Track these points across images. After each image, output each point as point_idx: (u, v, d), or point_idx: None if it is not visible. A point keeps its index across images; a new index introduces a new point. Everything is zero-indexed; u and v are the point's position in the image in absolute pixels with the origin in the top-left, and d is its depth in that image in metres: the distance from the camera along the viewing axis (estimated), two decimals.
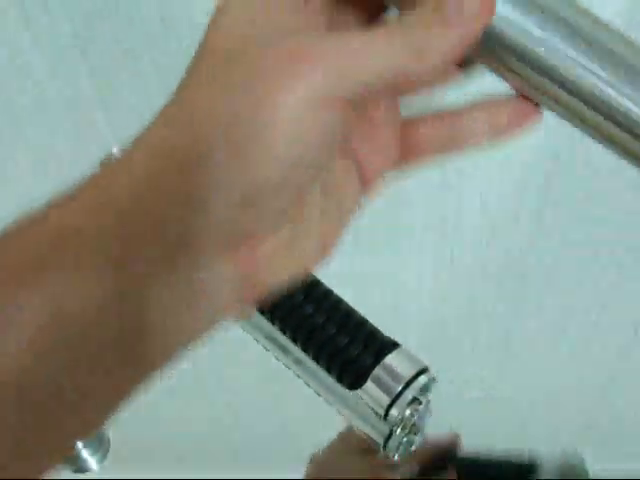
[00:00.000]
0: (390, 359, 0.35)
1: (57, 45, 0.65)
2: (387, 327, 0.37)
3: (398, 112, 0.26)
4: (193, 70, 0.23)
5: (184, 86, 0.23)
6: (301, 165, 0.20)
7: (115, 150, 0.23)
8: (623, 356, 0.99)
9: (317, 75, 0.20)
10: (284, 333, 0.36)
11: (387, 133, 0.25)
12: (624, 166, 0.25)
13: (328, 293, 0.36)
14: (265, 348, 0.39)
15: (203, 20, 0.24)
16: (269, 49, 0.20)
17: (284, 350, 0.37)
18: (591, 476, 1.25)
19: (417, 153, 0.26)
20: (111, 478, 1.12)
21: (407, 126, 0.26)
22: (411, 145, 0.26)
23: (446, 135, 0.26)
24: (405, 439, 0.36)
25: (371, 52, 0.21)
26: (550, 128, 0.29)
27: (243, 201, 0.20)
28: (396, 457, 0.36)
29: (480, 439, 1.25)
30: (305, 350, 0.36)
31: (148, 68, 0.67)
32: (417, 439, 0.37)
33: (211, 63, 0.22)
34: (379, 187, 0.26)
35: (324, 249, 0.24)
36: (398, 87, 0.23)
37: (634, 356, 0.99)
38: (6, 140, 0.74)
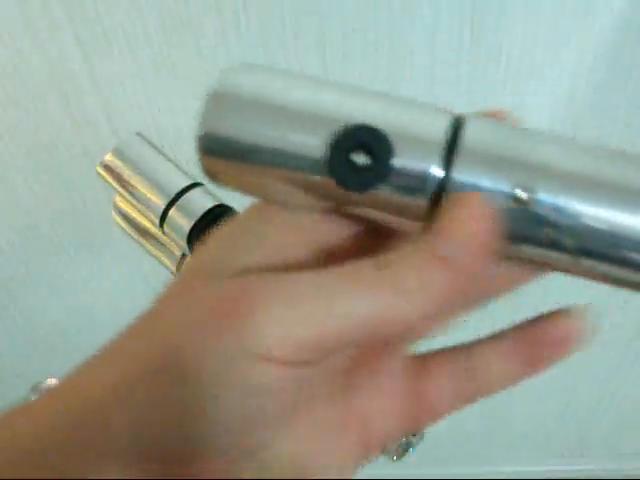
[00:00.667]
0: None
1: (58, 45, 0.65)
2: None
3: (401, 357, 0.22)
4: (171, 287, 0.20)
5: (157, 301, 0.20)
6: (252, 419, 0.17)
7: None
8: (624, 356, 0.99)
9: (252, 330, 0.17)
10: None
11: (391, 385, 0.21)
12: None
13: None
14: None
15: None
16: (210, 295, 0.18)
17: None
18: (591, 476, 1.26)
19: (430, 409, 0.21)
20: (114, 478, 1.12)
21: (416, 374, 0.22)
22: (422, 399, 0.21)
23: (466, 383, 0.21)
24: (404, 440, 0.36)
25: (334, 295, 0.17)
26: None
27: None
28: (395, 458, 0.36)
29: (480, 440, 1.26)
30: None
31: (147, 63, 0.67)
32: (416, 440, 0.37)
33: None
34: (378, 453, 0.21)
35: None
36: (387, 336, 0.19)
37: (635, 355, 0.99)
38: (6, 139, 0.74)
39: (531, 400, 1.09)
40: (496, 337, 0.22)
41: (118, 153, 0.39)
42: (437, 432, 1.21)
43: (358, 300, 0.17)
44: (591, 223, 0.19)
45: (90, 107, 0.70)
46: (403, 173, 0.19)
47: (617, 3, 0.61)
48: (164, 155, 0.39)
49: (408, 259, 0.18)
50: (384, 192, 0.19)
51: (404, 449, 0.37)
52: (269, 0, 0.61)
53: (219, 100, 0.21)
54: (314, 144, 0.19)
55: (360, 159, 0.19)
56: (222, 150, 0.20)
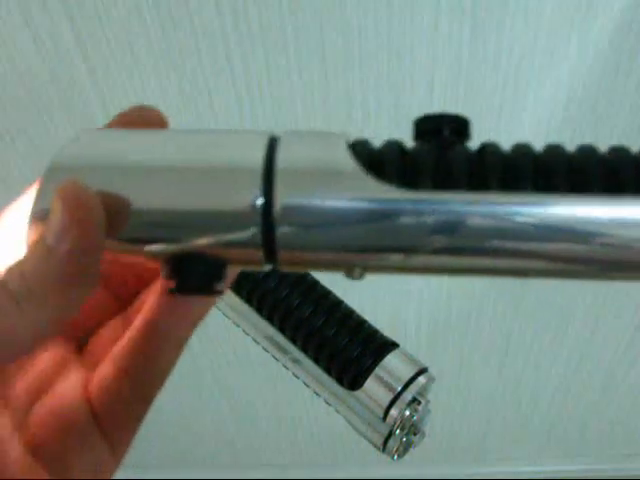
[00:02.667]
0: (389, 359, 0.35)
1: (58, 45, 0.65)
2: (387, 327, 0.37)
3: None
4: None
5: None
6: None
7: None
8: (623, 356, 0.99)
9: None
10: (283, 334, 0.36)
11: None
12: None
13: (327, 294, 0.36)
14: (264, 349, 0.39)
15: None
16: None
17: (283, 350, 0.37)
18: (591, 476, 1.26)
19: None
20: (111, 478, 1.12)
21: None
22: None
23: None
24: (404, 439, 0.36)
25: None
26: None
27: None
28: (395, 458, 0.36)
29: (480, 440, 1.25)
30: (304, 350, 0.36)
31: (146, 62, 0.67)
32: (417, 439, 0.37)
33: None
34: None
35: None
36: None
37: (635, 355, 0.99)
38: (7, 139, 0.74)
39: (530, 400, 1.09)
40: None
41: None
42: (437, 432, 1.21)
43: None
44: None
45: (90, 107, 0.70)
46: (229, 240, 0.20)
47: (617, 3, 0.61)
48: None
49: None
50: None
51: (404, 448, 0.37)
52: (269, 0, 0.61)
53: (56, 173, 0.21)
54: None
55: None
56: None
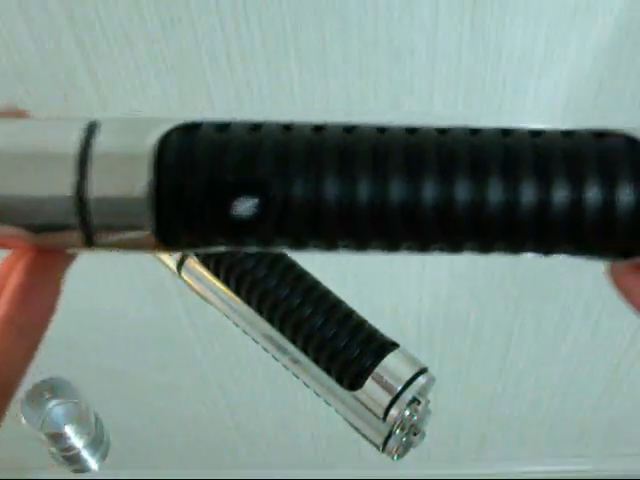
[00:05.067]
0: (389, 359, 0.35)
1: (58, 45, 0.65)
2: (387, 327, 0.37)
3: None
4: None
5: None
6: None
7: None
8: (623, 355, 0.99)
9: None
10: (283, 334, 0.36)
11: None
12: None
13: (327, 294, 0.36)
14: (264, 349, 0.39)
15: None
16: None
17: (283, 351, 0.37)
18: (591, 476, 1.26)
19: None
20: (111, 478, 1.12)
21: None
22: None
23: None
24: (404, 439, 0.36)
25: None
26: None
27: None
28: (396, 458, 0.36)
29: (480, 440, 1.26)
30: (304, 351, 0.36)
31: (147, 63, 0.67)
32: (417, 439, 0.37)
33: None
34: None
35: None
36: None
37: (635, 354, 0.99)
38: None
39: (530, 400, 1.09)
40: None
41: None
42: (437, 432, 1.21)
43: None
44: None
45: (90, 107, 0.70)
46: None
47: (617, 3, 0.61)
48: None
49: None
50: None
51: (404, 448, 0.37)
52: (269, 0, 0.61)
53: None
54: None
55: None
56: None
